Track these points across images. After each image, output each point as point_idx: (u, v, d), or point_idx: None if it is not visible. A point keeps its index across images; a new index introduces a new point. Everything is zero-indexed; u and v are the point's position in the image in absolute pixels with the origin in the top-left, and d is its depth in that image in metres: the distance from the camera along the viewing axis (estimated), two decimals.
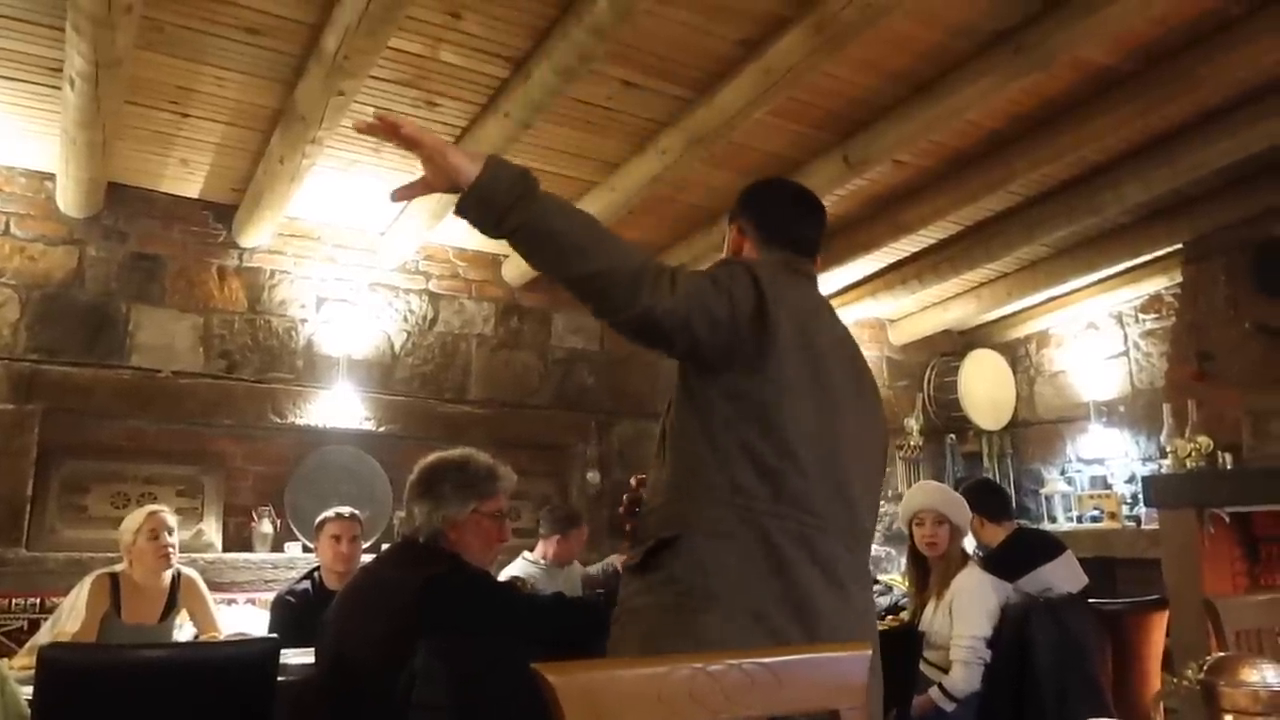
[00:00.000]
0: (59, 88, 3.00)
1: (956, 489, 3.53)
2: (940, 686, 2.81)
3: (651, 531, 1.45)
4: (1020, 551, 3.32)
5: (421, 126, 1.38)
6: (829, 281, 4.80)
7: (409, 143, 1.35)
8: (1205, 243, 4.59)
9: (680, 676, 0.83)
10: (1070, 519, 5.39)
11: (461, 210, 1.35)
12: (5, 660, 2.39)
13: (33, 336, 3.75)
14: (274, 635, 2.53)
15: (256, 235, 4.13)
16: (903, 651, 2.61)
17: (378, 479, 4.40)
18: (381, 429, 4.40)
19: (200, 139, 3.60)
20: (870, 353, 5.57)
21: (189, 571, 3.12)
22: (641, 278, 1.33)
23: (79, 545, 3.72)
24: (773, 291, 1.43)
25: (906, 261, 5.02)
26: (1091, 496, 5.32)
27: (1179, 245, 4.70)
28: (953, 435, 5.93)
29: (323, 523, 3.29)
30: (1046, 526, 5.28)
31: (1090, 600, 3.20)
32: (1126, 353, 5.41)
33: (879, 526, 2.58)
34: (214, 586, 3.41)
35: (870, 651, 0.96)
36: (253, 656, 2.12)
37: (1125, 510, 5.15)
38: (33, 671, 1.96)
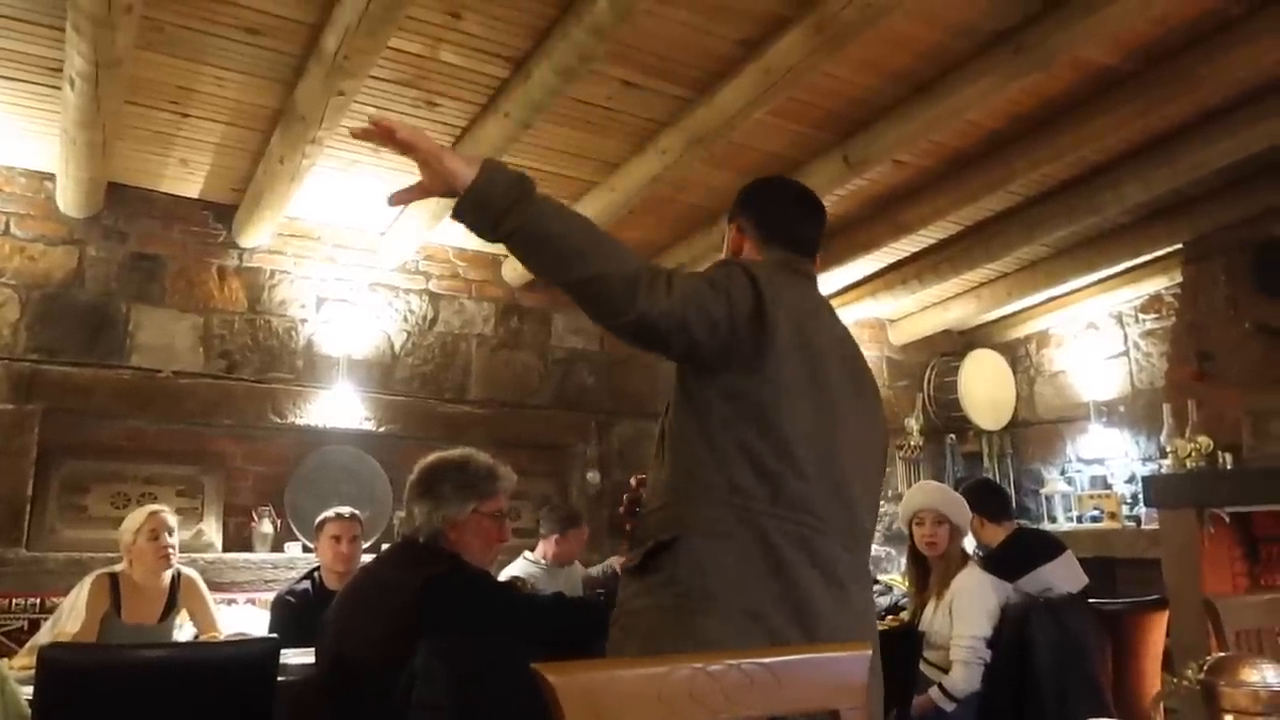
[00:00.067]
0: (59, 88, 3.00)
1: (956, 489, 3.53)
2: (940, 686, 2.81)
3: (650, 533, 1.44)
4: (1020, 551, 3.32)
5: (417, 130, 1.38)
6: (829, 281, 4.80)
7: (404, 147, 1.35)
8: (1205, 243, 4.59)
9: (680, 676, 0.83)
10: (1070, 519, 5.38)
11: (458, 214, 1.35)
12: (5, 660, 2.39)
13: (33, 336, 3.76)
14: (274, 635, 2.52)
15: (256, 235, 4.13)
16: (903, 651, 2.60)
17: (378, 479, 4.40)
18: (381, 429, 4.40)
19: (200, 139, 3.60)
20: (870, 353, 5.57)
21: (189, 571, 3.12)
22: (638, 281, 1.33)
23: (79, 545, 3.72)
24: (770, 292, 1.43)
25: (906, 261, 5.02)
26: (1091, 496, 5.32)
27: (1179, 245, 4.70)
28: (953, 435, 5.93)
29: (323, 523, 3.29)
30: (1046, 526, 5.27)
31: (1090, 600, 3.20)
32: (1126, 353, 5.40)
33: (879, 526, 2.58)
34: (214, 586, 3.41)
35: (870, 651, 0.96)
36: (253, 656, 2.12)
37: (1125, 510, 5.15)
38: (33, 671, 1.96)
